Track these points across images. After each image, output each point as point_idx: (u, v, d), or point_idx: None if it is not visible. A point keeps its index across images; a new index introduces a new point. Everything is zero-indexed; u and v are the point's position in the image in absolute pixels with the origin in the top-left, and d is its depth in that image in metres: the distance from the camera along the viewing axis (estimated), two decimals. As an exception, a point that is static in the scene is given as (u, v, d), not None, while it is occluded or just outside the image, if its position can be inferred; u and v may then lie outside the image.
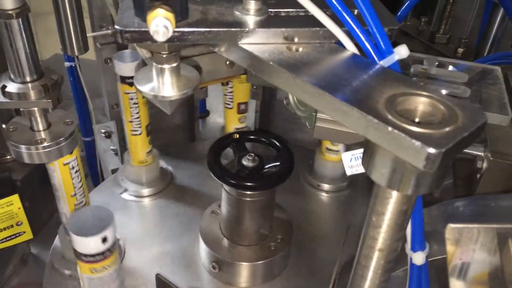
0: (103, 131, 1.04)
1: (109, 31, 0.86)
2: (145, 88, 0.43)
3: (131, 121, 0.80)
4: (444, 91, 0.68)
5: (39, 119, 0.56)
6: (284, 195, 0.83)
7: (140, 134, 0.82)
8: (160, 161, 0.91)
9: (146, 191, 0.88)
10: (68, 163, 0.61)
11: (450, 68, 0.72)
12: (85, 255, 0.54)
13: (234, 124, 0.95)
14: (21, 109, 0.54)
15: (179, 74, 0.43)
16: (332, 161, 0.90)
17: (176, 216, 0.85)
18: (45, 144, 0.55)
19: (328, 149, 0.90)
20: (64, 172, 0.61)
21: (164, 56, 0.41)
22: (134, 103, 0.78)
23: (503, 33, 0.89)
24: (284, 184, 0.75)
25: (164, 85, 0.42)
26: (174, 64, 0.42)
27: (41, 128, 0.57)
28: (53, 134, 0.57)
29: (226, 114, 0.95)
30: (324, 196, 0.92)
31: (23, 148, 0.55)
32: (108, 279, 0.58)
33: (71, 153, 0.60)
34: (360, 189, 0.95)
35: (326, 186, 0.91)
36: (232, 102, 0.92)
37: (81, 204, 0.68)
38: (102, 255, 0.54)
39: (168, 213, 0.86)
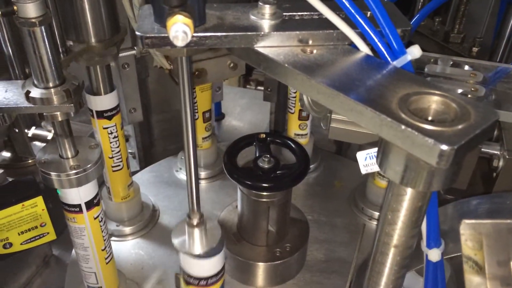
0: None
1: (134, 52, 0.84)
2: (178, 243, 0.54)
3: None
4: (459, 90, 0.68)
5: (67, 146, 0.57)
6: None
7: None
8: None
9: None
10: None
11: (465, 67, 0.72)
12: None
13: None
14: (44, 114, 0.56)
15: (206, 233, 0.54)
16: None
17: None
18: (74, 171, 0.56)
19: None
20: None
21: (195, 223, 0.54)
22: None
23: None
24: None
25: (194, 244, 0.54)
26: (202, 227, 0.54)
27: (69, 155, 0.58)
28: (81, 161, 0.57)
29: (288, 118, 0.96)
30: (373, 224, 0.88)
31: (53, 175, 0.56)
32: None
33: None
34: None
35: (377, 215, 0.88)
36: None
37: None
38: None
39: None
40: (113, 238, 0.83)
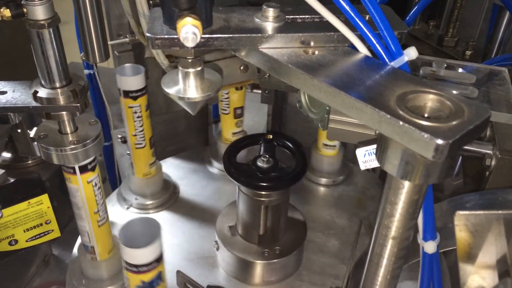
0: (119, 136, 1.07)
1: (127, 39, 0.88)
2: (172, 91, 0.46)
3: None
4: (453, 92, 0.70)
5: (67, 122, 0.58)
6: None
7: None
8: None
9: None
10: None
11: (459, 70, 0.74)
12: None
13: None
14: (51, 113, 0.57)
15: (203, 77, 0.47)
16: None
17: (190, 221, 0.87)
18: (73, 146, 0.58)
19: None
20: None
21: (190, 60, 0.44)
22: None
23: (510, 35, 0.91)
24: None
25: (189, 88, 0.46)
26: (199, 68, 0.46)
27: (69, 131, 0.59)
28: (81, 136, 0.59)
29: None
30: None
31: (52, 150, 0.57)
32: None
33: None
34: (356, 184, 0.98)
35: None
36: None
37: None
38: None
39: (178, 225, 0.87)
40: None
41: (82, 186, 0.63)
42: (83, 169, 0.62)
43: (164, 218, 0.87)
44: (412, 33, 1.04)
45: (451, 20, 1.01)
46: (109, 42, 0.84)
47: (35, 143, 0.93)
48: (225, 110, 0.94)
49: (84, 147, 0.58)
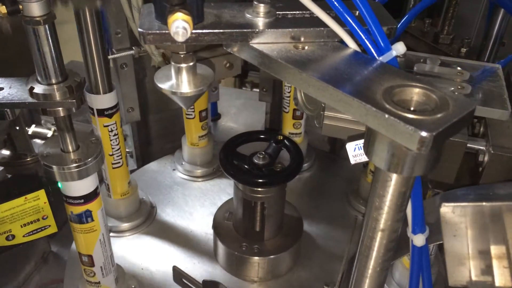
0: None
1: (132, 52, 0.86)
2: (165, 86, 0.47)
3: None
4: (450, 88, 0.70)
5: (68, 141, 0.59)
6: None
7: (121, 165, 0.81)
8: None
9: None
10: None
11: (453, 67, 0.75)
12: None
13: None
14: (47, 109, 0.58)
15: (196, 73, 0.48)
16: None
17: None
18: (75, 164, 0.58)
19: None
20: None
21: (182, 56, 0.45)
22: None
23: (504, 32, 0.91)
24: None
25: (182, 83, 0.47)
26: (191, 63, 0.47)
27: (70, 149, 0.59)
28: (82, 155, 0.59)
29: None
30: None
31: (55, 168, 0.58)
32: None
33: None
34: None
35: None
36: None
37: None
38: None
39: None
40: (111, 234, 0.85)
41: (99, 128, 0.74)
42: (100, 113, 0.73)
43: (202, 188, 0.97)
44: (408, 31, 1.04)
45: (446, 17, 1.01)
46: (110, 56, 0.83)
47: (33, 140, 0.95)
48: (285, 108, 0.96)
49: (85, 165, 0.59)
